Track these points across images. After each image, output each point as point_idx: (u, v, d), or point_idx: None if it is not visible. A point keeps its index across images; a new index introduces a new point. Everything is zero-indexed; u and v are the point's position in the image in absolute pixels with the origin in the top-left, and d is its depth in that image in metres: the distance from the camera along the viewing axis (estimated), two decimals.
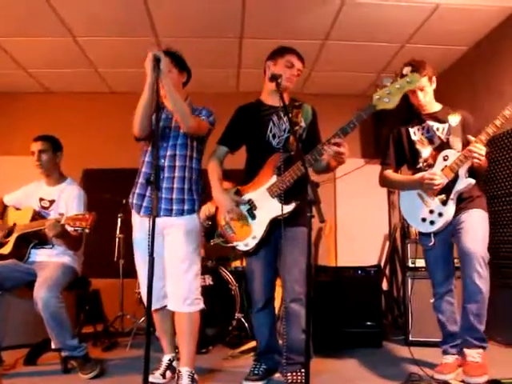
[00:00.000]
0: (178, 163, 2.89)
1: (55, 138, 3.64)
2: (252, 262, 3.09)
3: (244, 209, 2.98)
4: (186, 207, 2.87)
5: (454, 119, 3.10)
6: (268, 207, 2.90)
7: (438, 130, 3.13)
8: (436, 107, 3.22)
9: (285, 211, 2.81)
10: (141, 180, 2.95)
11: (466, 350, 2.93)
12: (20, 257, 3.43)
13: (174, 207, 2.85)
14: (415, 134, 3.20)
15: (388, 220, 6.00)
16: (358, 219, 5.88)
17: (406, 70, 2.72)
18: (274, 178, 2.91)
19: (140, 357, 3.04)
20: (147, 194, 2.90)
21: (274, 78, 2.77)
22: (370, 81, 5.71)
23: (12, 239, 3.41)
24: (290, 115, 2.95)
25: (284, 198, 2.83)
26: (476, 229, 2.97)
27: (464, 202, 3.04)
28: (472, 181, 2.99)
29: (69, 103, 5.90)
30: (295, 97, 3.16)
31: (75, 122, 5.70)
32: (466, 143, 3.01)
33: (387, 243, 5.82)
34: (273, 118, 3.04)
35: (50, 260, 3.41)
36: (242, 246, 3.00)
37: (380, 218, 5.98)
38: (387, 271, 5.50)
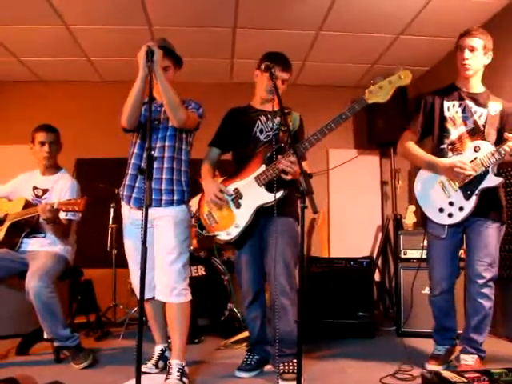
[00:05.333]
0: (166, 154, 2.90)
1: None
2: (239, 255, 3.12)
3: (229, 198, 2.99)
4: (175, 197, 2.88)
5: (495, 107, 2.94)
6: (254, 195, 2.91)
7: (475, 113, 2.95)
8: (479, 89, 3.02)
9: (273, 199, 2.81)
10: (130, 171, 2.95)
11: (461, 355, 2.94)
12: (12, 245, 3.42)
13: (164, 198, 2.86)
14: (449, 109, 3.00)
15: (381, 211, 6.00)
16: (351, 210, 5.88)
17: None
18: (262, 167, 2.92)
19: (132, 347, 3.05)
20: (137, 184, 2.90)
21: (268, 68, 2.76)
22: (364, 71, 5.69)
23: (4, 228, 3.40)
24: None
25: (272, 187, 2.82)
26: (489, 250, 2.87)
27: (486, 204, 2.87)
28: (502, 179, 2.88)
29: (61, 92, 5.83)
30: (284, 105, 3.16)
31: (68, 112, 5.65)
32: (497, 137, 2.89)
33: (380, 234, 5.84)
34: (261, 118, 3.09)
35: (42, 249, 3.41)
36: (223, 236, 3.00)
37: (373, 209, 5.98)
38: (380, 262, 5.52)
